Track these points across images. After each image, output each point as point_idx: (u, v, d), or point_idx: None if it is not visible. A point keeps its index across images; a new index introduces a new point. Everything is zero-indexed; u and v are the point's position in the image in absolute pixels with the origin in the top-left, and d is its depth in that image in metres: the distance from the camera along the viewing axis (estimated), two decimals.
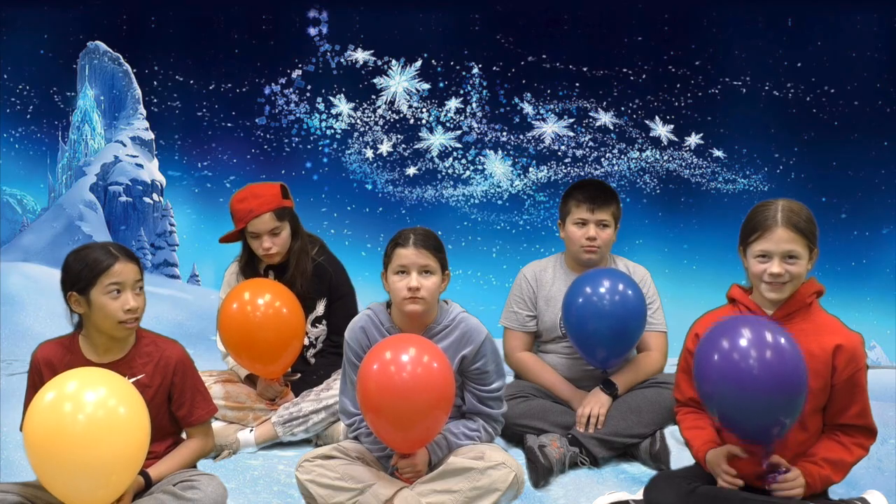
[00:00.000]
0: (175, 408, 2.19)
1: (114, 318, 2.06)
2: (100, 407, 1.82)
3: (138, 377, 2.12)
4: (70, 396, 1.82)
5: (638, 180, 5.52)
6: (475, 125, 5.58)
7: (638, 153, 5.50)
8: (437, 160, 5.63)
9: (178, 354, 2.20)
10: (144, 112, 6.04)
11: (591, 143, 5.53)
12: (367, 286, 3.13)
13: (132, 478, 1.93)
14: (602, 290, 2.70)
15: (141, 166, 6.34)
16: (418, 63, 5.54)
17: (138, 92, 6.07)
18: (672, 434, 2.79)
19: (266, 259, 2.99)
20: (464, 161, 5.63)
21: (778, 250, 2.03)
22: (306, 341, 3.04)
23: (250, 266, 3.07)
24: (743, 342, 1.87)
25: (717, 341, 1.91)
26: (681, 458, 2.54)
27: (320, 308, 3.06)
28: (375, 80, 5.57)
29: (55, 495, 1.86)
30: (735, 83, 5.38)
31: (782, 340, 1.87)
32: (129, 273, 2.08)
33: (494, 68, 5.51)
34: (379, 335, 2.34)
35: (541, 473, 2.56)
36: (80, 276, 2.06)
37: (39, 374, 2.10)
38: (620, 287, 2.71)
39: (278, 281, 3.00)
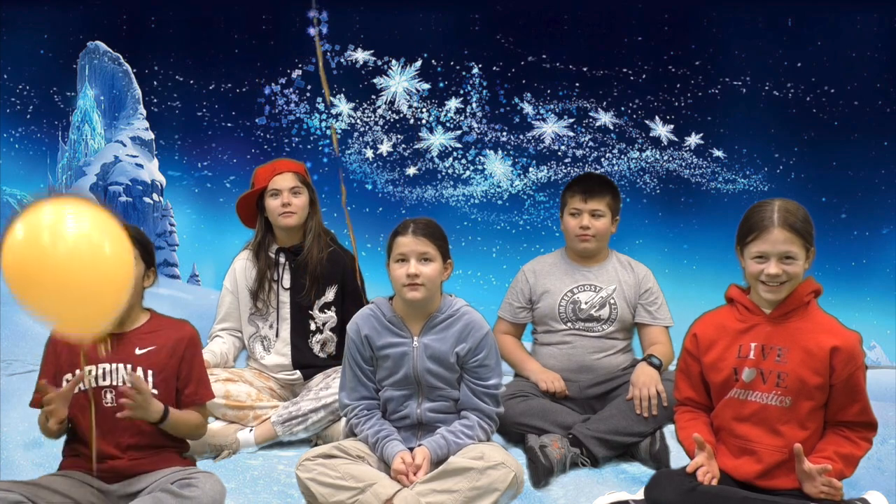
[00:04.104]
0: (182, 385, 2.24)
1: None
2: (79, 224, 1.75)
3: (149, 349, 2.17)
4: (47, 225, 1.74)
5: (638, 180, 5.52)
6: (475, 125, 5.58)
7: (638, 153, 5.50)
8: (437, 160, 5.63)
9: (189, 332, 2.28)
10: (144, 112, 6.04)
11: (591, 143, 5.53)
12: (367, 286, 3.14)
13: (123, 293, 1.87)
14: None
15: (141, 166, 6.34)
16: (418, 63, 5.54)
17: (138, 92, 6.07)
18: (672, 433, 2.79)
19: (283, 220, 3.00)
20: (464, 161, 5.63)
21: (775, 251, 2.04)
22: (312, 326, 3.06)
23: (263, 246, 3.08)
24: None
25: None
26: (681, 457, 2.55)
27: (330, 294, 3.07)
28: (375, 80, 5.57)
29: (48, 318, 1.82)
30: (735, 83, 5.38)
31: None
32: None
33: (494, 68, 5.51)
34: (380, 327, 2.36)
35: (541, 473, 2.56)
36: None
37: (54, 348, 2.16)
38: None
39: (292, 262, 3.03)
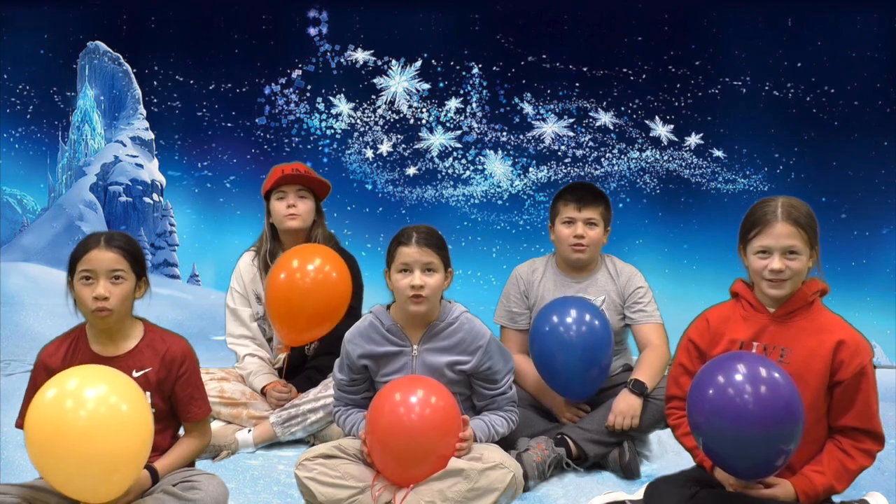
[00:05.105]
0: (177, 403, 2.19)
1: (86, 307, 2.08)
2: (101, 403, 1.83)
3: (146, 370, 2.13)
4: (71, 393, 1.83)
5: (638, 180, 5.52)
6: (475, 125, 5.58)
7: (638, 153, 5.50)
8: (437, 160, 5.63)
9: (183, 349, 2.21)
10: (144, 112, 6.04)
11: (591, 143, 5.53)
12: (366, 286, 3.14)
13: (135, 473, 1.93)
14: (569, 320, 2.68)
15: (141, 166, 6.34)
16: (418, 63, 5.54)
17: (138, 92, 6.07)
18: (658, 438, 2.88)
19: (287, 222, 3.01)
20: (464, 161, 5.63)
21: (778, 245, 2.01)
22: None
23: (271, 253, 3.07)
24: (738, 377, 1.83)
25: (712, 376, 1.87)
26: (681, 458, 2.54)
27: None
28: (375, 80, 5.57)
29: (59, 490, 1.87)
30: (735, 83, 5.38)
31: (776, 375, 1.84)
32: (105, 261, 2.07)
33: (494, 68, 5.52)
34: (379, 336, 2.36)
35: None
36: (70, 262, 2.10)
37: (42, 373, 2.10)
38: (587, 318, 2.69)
39: None
